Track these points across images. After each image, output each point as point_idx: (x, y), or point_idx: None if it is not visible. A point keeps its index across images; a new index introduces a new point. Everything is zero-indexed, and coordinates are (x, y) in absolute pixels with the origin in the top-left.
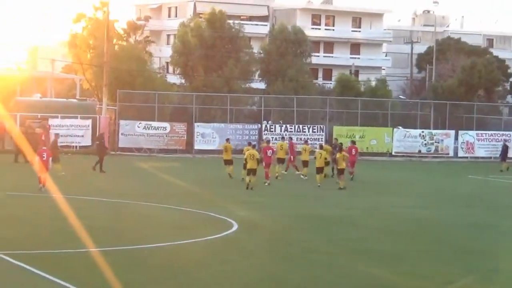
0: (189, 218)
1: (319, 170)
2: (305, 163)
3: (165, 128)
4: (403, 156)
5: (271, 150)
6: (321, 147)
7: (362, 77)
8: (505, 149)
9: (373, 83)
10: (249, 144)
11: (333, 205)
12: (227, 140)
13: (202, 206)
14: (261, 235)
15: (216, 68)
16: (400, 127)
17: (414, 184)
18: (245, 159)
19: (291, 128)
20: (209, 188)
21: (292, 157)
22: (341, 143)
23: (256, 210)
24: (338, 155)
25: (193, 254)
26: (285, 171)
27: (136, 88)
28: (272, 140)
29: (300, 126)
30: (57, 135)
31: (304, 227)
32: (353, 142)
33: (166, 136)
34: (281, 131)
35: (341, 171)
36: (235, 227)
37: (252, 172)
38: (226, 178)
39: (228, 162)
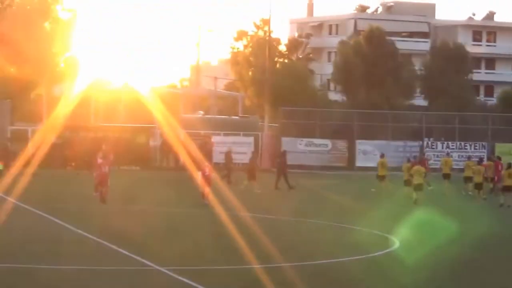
0: (352, 235)
1: (479, 186)
2: (469, 179)
3: (326, 145)
4: None
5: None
6: (479, 163)
7: None
8: None
9: None
10: (408, 160)
11: (498, 222)
12: (382, 155)
13: (364, 223)
14: (424, 252)
15: (377, 85)
16: None
17: None
18: (411, 175)
19: (453, 145)
20: (371, 205)
21: (496, 177)
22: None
23: (418, 227)
24: (503, 171)
25: (356, 271)
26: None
27: (297, 105)
28: (434, 157)
29: (462, 143)
30: (229, 150)
31: (468, 244)
32: (499, 158)
33: (328, 153)
34: (442, 148)
35: (506, 188)
36: (397, 244)
37: (419, 187)
38: (387, 194)
39: (381, 178)
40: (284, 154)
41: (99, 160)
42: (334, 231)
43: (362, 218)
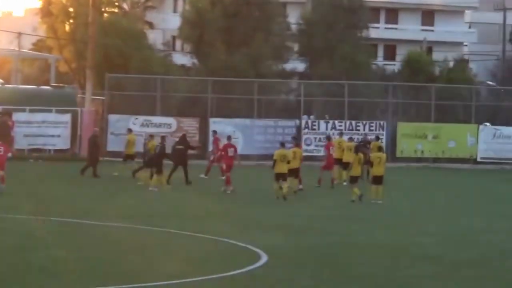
0: (206, 248)
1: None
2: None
3: (170, 125)
4: (491, 163)
5: (233, 148)
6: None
7: (437, 55)
8: None
9: (452, 64)
10: (282, 145)
11: (392, 228)
12: (130, 131)
13: (219, 232)
14: (296, 268)
15: (240, 44)
16: (487, 124)
17: (507, 201)
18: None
19: (341, 125)
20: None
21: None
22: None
23: (287, 236)
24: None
25: None
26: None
27: (131, 71)
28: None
29: (353, 122)
30: (163, 137)
31: (351, 255)
32: (329, 138)
33: (171, 135)
34: (326, 129)
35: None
36: (264, 259)
37: (281, 177)
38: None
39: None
40: (184, 138)
41: None
42: (182, 242)
43: (218, 224)
